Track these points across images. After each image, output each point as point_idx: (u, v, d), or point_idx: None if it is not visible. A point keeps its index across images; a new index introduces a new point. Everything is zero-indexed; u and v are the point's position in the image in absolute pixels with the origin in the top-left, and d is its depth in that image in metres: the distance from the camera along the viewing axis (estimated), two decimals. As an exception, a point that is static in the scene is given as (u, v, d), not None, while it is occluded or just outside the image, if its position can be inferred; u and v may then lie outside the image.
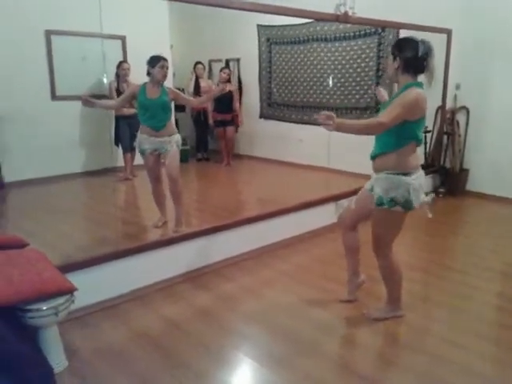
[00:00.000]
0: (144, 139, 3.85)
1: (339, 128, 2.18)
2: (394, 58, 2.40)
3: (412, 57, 2.35)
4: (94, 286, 2.81)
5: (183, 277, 3.31)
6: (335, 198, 4.42)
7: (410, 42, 2.38)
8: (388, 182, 2.42)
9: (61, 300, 2.14)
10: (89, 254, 2.93)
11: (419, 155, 2.55)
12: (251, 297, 3.08)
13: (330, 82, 6.33)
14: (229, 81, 6.84)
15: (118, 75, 5.66)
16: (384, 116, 2.27)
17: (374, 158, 2.51)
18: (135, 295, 3.04)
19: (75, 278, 2.38)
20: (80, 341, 2.54)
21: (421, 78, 2.44)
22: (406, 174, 2.39)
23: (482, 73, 5.31)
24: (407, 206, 2.41)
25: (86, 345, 2.51)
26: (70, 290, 2.21)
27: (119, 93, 5.57)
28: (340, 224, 2.86)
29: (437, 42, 5.15)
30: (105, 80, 5.70)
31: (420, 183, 2.44)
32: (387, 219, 2.52)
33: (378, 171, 2.48)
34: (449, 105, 5.62)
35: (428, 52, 2.35)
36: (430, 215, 2.60)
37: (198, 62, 7.09)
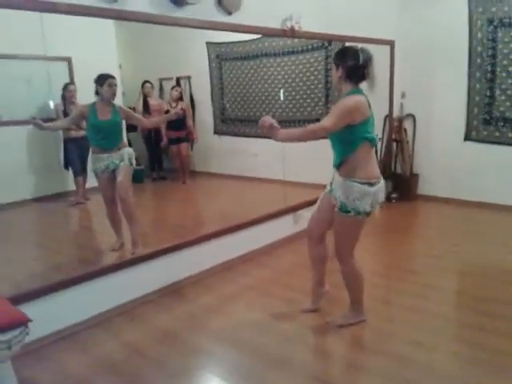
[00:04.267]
0: (95, 158, 3.75)
1: (284, 135, 2.31)
2: (337, 68, 2.48)
3: (353, 65, 2.42)
4: (49, 315, 2.69)
5: (143, 299, 3.22)
6: (293, 210, 4.46)
7: (350, 51, 2.47)
8: (352, 191, 2.45)
9: (14, 333, 2.02)
10: (43, 283, 2.80)
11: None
12: (215, 314, 3.04)
13: (282, 96, 6.43)
14: (181, 98, 6.82)
15: (64, 97, 5.50)
16: (326, 120, 2.35)
17: (337, 166, 2.55)
18: (94, 321, 2.93)
19: (29, 309, 2.27)
20: (37, 374, 2.42)
21: (363, 85, 2.52)
22: (370, 184, 2.45)
23: (425, 80, 5.55)
24: (369, 213, 2.50)
25: (43, 378, 2.39)
26: (23, 322, 2.09)
27: (66, 115, 5.40)
28: (309, 237, 2.83)
29: (381, 52, 5.39)
30: (51, 103, 5.54)
31: (382, 190, 2.54)
32: (351, 226, 2.56)
33: (345, 177, 2.50)
34: (396, 113, 5.82)
35: (367, 60, 2.44)
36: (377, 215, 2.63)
37: (145, 81, 7.02)
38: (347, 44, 5.13)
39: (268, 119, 2.37)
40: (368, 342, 2.66)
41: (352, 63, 2.42)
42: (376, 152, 5.68)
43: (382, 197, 2.56)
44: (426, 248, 4.14)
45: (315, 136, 2.39)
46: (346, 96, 2.44)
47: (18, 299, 2.46)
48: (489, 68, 5.02)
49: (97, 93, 3.67)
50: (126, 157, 3.78)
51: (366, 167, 2.47)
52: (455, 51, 5.22)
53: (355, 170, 2.46)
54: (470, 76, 5.17)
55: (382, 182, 2.56)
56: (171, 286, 3.41)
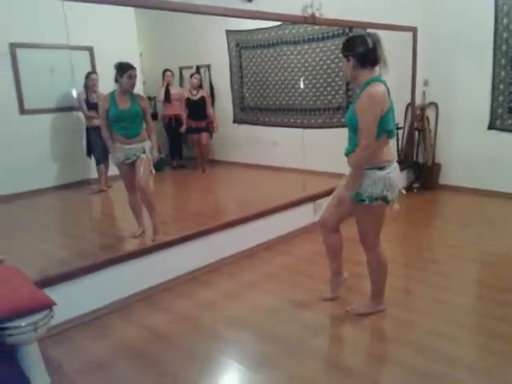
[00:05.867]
0: (116, 148, 3.82)
1: (351, 182, 2.45)
2: (347, 59, 2.43)
3: (364, 51, 2.37)
4: (73, 299, 2.75)
5: (164, 285, 3.27)
6: (312, 199, 4.45)
7: (357, 39, 2.42)
8: (365, 178, 2.44)
9: (40, 316, 2.08)
10: (67, 268, 2.86)
11: (392, 149, 2.58)
12: (234, 301, 3.07)
13: (302, 84, 6.38)
14: (200, 86, 6.83)
15: (86, 86, 5.58)
16: (362, 138, 2.34)
17: (347, 154, 2.53)
18: (116, 307, 2.99)
19: (54, 293, 2.33)
20: (62, 356, 2.49)
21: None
22: (380, 169, 2.43)
23: (448, 69, 5.43)
24: (385, 199, 2.46)
25: (68, 360, 2.46)
26: (48, 305, 2.15)
27: (88, 104, 5.50)
28: (322, 226, 2.83)
29: (404, 40, 5.30)
30: (74, 92, 5.62)
31: (396, 176, 2.49)
32: (370, 214, 2.55)
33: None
34: (418, 101, 5.73)
35: (376, 42, 2.39)
36: (397, 207, 2.58)
37: (166, 70, 7.06)
38: (368, 31, 5.09)
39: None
40: (388, 331, 2.65)
41: (362, 49, 2.37)
42: (397, 140, 5.62)
43: (396, 181, 2.49)
44: (446, 238, 4.10)
45: (367, 156, 2.38)
46: (365, 88, 2.37)
47: (44, 283, 2.52)
48: (515, 55, 4.89)
49: (116, 80, 3.71)
50: (147, 149, 3.86)
51: (381, 155, 2.44)
52: (480, 38, 5.08)
53: (370, 159, 2.42)
54: (495, 63, 5.04)
55: (396, 165, 2.50)
56: (191, 273, 3.45)
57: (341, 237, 2.81)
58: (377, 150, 2.41)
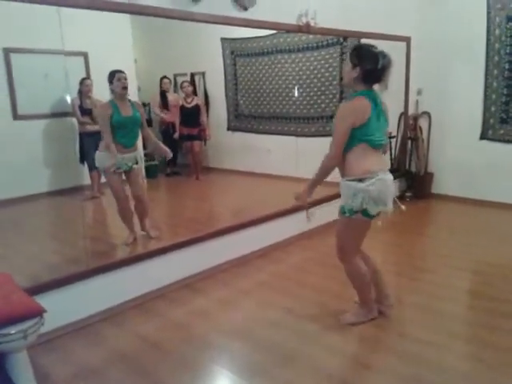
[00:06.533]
0: (105, 156, 3.74)
1: (310, 189, 2.56)
2: (354, 67, 2.41)
3: (371, 69, 2.37)
4: (64, 306, 2.73)
5: (157, 292, 3.25)
6: (306, 206, 4.44)
7: (370, 53, 2.39)
8: (345, 189, 2.45)
9: (30, 323, 2.05)
10: (58, 275, 2.84)
11: (381, 160, 2.54)
12: (228, 309, 3.05)
13: (296, 93, 6.41)
14: (195, 93, 6.85)
15: (80, 92, 5.57)
16: (331, 147, 2.40)
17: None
18: (108, 314, 2.96)
19: (44, 300, 2.31)
20: (52, 365, 2.46)
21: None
22: (360, 180, 2.38)
23: (441, 78, 5.48)
24: (366, 213, 2.42)
25: (58, 369, 2.43)
26: (39, 312, 2.13)
27: (82, 110, 5.49)
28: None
29: (397, 49, 5.34)
30: (68, 97, 5.60)
31: (380, 189, 2.38)
32: (349, 227, 2.54)
33: (342, 177, 2.52)
34: (411, 110, 5.77)
35: (386, 65, 2.38)
36: (379, 224, 2.53)
37: (163, 77, 7.07)
38: (363, 41, 5.13)
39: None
40: (379, 340, 2.64)
41: (370, 67, 2.36)
42: (390, 149, 5.65)
43: (381, 194, 2.37)
44: (439, 247, 4.11)
45: (329, 166, 2.45)
46: (350, 98, 2.44)
47: (34, 290, 2.50)
48: (506, 66, 4.95)
49: (112, 91, 3.74)
50: (139, 159, 3.93)
51: (360, 164, 2.40)
52: (472, 48, 5.15)
53: (349, 169, 2.43)
54: (487, 73, 5.10)
55: (381, 177, 2.39)
56: (185, 280, 3.43)
57: (365, 261, 2.71)
58: (354, 159, 2.41)
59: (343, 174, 2.49)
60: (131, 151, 3.85)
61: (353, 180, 2.41)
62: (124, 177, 3.94)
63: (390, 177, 2.49)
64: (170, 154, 4.16)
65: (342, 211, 2.49)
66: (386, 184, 2.43)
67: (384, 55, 2.38)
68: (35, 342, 2.18)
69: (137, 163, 3.91)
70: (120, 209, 3.98)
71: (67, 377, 2.36)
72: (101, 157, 3.80)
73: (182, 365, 2.43)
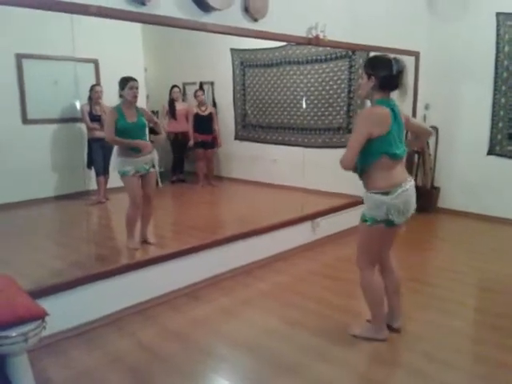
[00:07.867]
0: (124, 161, 3.82)
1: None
2: (369, 77, 2.42)
3: (386, 75, 2.38)
4: (66, 310, 2.73)
5: (159, 299, 3.24)
6: (311, 217, 4.44)
7: (383, 61, 2.42)
8: (369, 201, 2.45)
9: (31, 326, 2.05)
10: (61, 279, 2.84)
11: (403, 169, 2.52)
12: (229, 318, 3.04)
13: (304, 104, 6.43)
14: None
15: (90, 98, 5.61)
16: (345, 151, 2.35)
17: (359, 175, 2.53)
18: (110, 319, 2.96)
19: (47, 303, 2.30)
20: (52, 369, 2.45)
21: (394, 93, 2.49)
22: (385, 194, 2.39)
23: (449, 93, 5.49)
24: (389, 223, 2.43)
25: (58, 373, 2.42)
26: (40, 316, 2.12)
27: (92, 116, 5.53)
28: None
29: (406, 63, 5.35)
30: (77, 103, 5.65)
31: (405, 200, 2.41)
32: (368, 236, 2.53)
33: (365, 188, 2.51)
34: (419, 125, 5.76)
35: (401, 70, 2.40)
36: (403, 229, 2.59)
37: (174, 86, 7.13)
38: (372, 53, 5.15)
39: None
40: (382, 354, 2.62)
41: (385, 73, 2.37)
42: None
43: (406, 204, 2.42)
44: (445, 261, 4.08)
45: (347, 168, 2.40)
46: (369, 107, 2.44)
47: (37, 294, 2.50)
48: (515, 82, 4.95)
49: (121, 96, 3.76)
50: (156, 162, 3.96)
51: (384, 178, 2.41)
52: (481, 64, 5.15)
53: (373, 182, 2.43)
54: (496, 90, 5.10)
55: (404, 188, 2.41)
56: (187, 288, 3.42)
57: (389, 275, 2.72)
58: (377, 173, 2.41)
59: (367, 187, 2.49)
60: (145, 153, 3.85)
61: (375, 193, 2.41)
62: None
63: (412, 183, 2.50)
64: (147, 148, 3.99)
65: (364, 219, 2.48)
66: (410, 194, 2.46)
67: (397, 60, 2.41)
68: (36, 345, 2.18)
69: (153, 166, 3.96)
70: (131, 213, 3.97)
71: (67, 381, 2.35)
72: (119, 162, 3.86)
73: (181, 373, 2.42)
